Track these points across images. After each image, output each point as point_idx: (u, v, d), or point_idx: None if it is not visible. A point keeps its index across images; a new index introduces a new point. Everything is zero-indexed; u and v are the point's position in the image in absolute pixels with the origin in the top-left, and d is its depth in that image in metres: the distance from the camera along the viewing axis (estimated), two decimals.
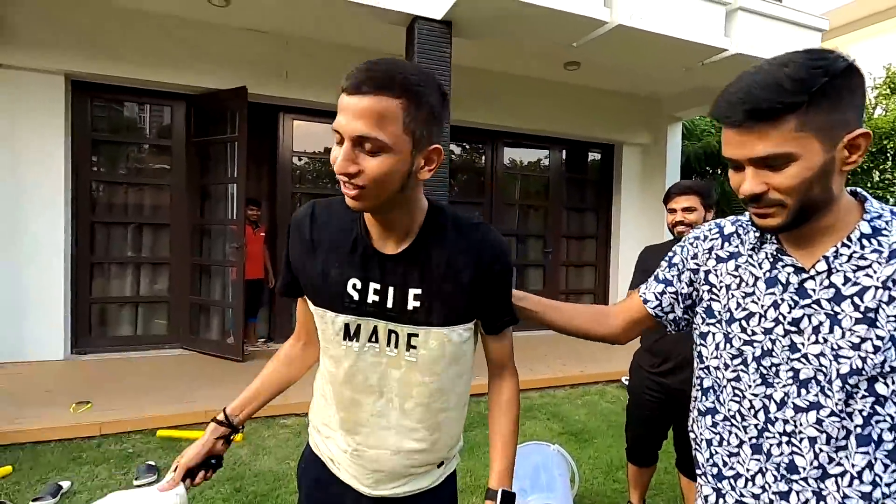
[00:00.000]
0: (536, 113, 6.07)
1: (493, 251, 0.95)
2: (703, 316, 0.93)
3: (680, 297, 0.99)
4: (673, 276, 1.00)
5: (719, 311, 0.89)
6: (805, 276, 0.79)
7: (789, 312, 0.79)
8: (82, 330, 4.66)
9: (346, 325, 0.94)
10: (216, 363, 4.46)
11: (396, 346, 0.94)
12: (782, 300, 0.80)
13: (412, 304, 0.92)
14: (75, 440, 3.05)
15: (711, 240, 0.94)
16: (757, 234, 0.86)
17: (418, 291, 0.92)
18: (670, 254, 1.04)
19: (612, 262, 6.88)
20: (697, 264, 0.95)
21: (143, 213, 4.93)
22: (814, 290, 0.78)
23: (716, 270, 0.91)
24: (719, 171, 8.73)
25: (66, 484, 2.54)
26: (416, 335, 0.93)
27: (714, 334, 0.89)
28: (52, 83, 4.31)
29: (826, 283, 0.77)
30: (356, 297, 0.93)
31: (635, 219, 6.83)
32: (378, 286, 0.92)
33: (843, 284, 0.75)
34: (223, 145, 4.75)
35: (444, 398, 0.99)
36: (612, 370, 4.70)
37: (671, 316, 1.02)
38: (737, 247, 0.90)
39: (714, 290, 0.91)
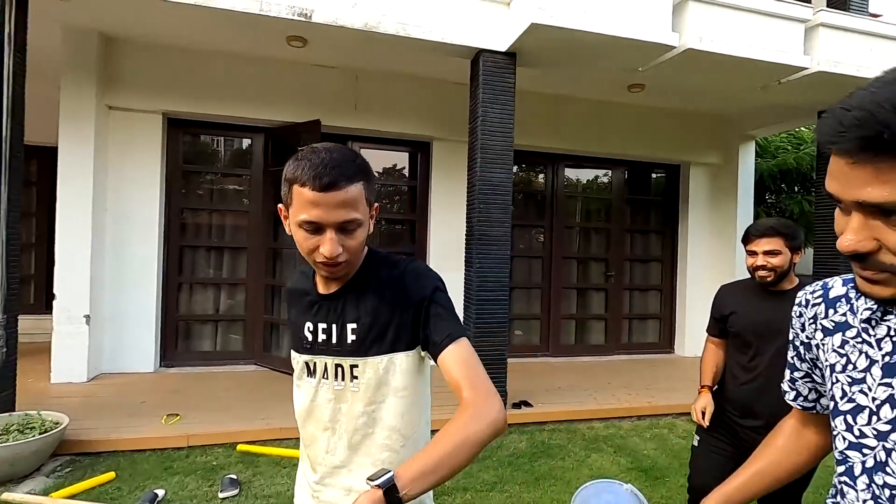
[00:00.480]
0: (598, 135, 6.01)
1: (416, 277, 1.03)
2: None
3: (813, 379, 0.82)
4: (794, 358, 0.84)
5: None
6: None
7: None
8: (169, 344, 5.06)
9: (306, 363, 1.08)
10: (286, 380, 4.70)
11: (342, 379, 1.04)
12: None
13: (350, 337, 1.03)
14: (167, 450, 3.31)
15: (814, 305, 0.77)
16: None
17: (354, 326, 1.03)
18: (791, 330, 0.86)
19: (679, 286, 6.61)
20: (808, 337, 0.78)
21: (224, 237, 5.33)
22: None
23: (823, 345, 0.74)
24: (796, 189, 8.21)
25: (160, 492, 2.77)
26: (357, 366, 1.02)
27: None
28: (151, 121, 4.79)
29: None
30: (310, 338, 1.07)
31: (705, 241, 6.54)
32: (324, 325, 1.05)
33: None
34: None
35: (387, 434, 1.03)
36: (682, 402, 4.49)
37: (823, 401, 0.84)
38: (844, 315, 0.71)
39: (820, 369, 0.76)
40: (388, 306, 1.01)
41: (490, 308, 3.95)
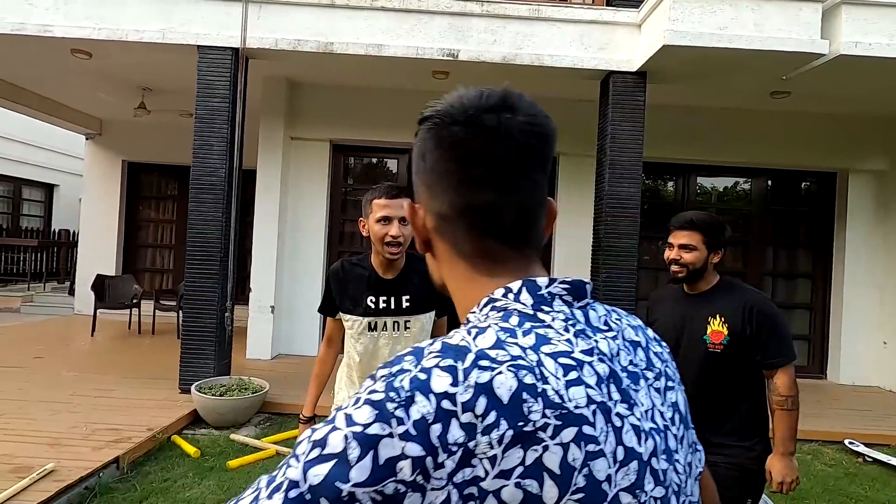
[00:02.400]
0: (734, 143, 5.77)
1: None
2: None
3: None
4: None
5: None
6: None
7: None
8: None
9: (369, 322, 1.74)
10: None
11: (398, 330, 1.75)
12: None
13: (405, 304, 1.74)
14: None
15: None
16: None
17: (407, 297, 1.73)
18: None
19: (834, 306, 5.99)
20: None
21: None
22: None
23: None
24: None
25: None
26: (409, 321, 1.76)
27: None
28: (321, 148, 5.79)
29: None
30: (372, 306, 1.73)
31: (867, 257, 5.86)
32: (385, 297, 1.72)
33: None
34: None
35: None
36: (831, 429, 4.18)
37: None
38: None
39: None
40: (424, 286, 1.69)
41: None
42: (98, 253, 7.60)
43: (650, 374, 0.50)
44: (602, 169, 4.27)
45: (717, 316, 1.69)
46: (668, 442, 0.47)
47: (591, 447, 0.40)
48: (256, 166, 5.51)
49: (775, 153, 5.82)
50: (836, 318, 5.95)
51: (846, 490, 3.29)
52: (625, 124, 4.13)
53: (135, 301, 6.53)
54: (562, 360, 0.43)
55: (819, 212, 6.16)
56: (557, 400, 0.40)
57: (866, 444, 3.97)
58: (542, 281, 0.49)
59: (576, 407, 0.40)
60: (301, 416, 1.92)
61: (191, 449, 3.24)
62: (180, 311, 5.01)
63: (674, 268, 1.77)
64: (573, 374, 0.42)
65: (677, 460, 0.48)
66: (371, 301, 1.71)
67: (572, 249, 5.64)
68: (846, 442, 3.98)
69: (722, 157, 5.84)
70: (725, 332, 1.67)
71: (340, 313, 1.77)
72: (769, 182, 6.20)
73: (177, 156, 7.06)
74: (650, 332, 0.56)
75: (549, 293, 0.48)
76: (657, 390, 0.49)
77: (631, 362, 0.49)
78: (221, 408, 3.64)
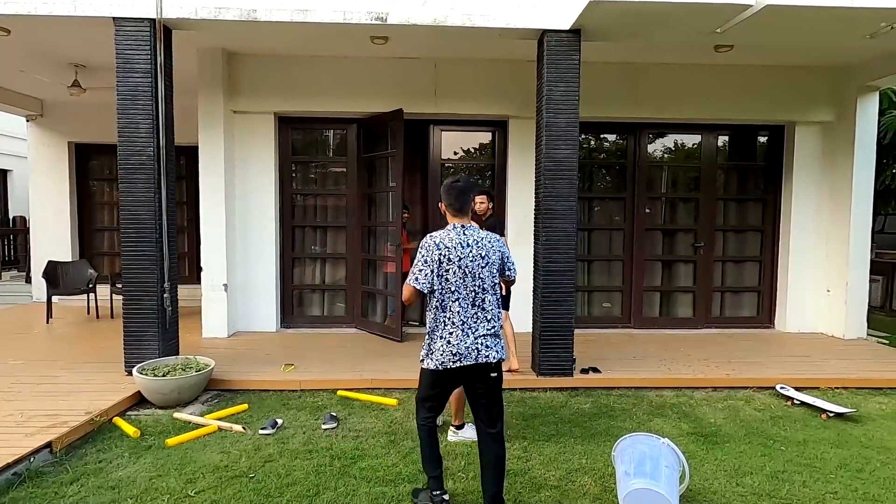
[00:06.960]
0: (684, 100, 5.75)
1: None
2: None
3: None
4: None
5: None
6: None
7: None
8: (287, 309, 6.02)
9: None
10: (381, 341, 5.38)
11: None
12: None
13: None
14: (284, 391, 4.11)
15: None
16: None
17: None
18: None
19: (781, 257, 6.14)
20: None
21: (327, 218, 6.12)
22: None
23: None
24: None
25: (280, 420, 3.52)
26: None
27: None
28: (266, 121, 5.64)
29: None
30: None
31: (813, 208, 5.98)
32: None
33: None
34: (385, 159, 5.63)
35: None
36: (767, 376, 4.35)
37: None
38: None
39: None
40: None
41: (556, 279, 4.18)
42: (53, 238, 7.43)
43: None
44: (540, 131, 4.23)
45: None
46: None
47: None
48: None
49: (724, 108, 5.82)
50: (783, 268, 6.11)
51: (768, 432, 3.46)
52: (560, 85, 4.07)
53: (90, 286, 6.44)
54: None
55: (768, 165, 6.23)
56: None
57: (799, 389, 4.16)
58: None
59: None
60: None
61: (130, 430, 3.27)
62: None
63: None
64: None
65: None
66: None
67: (523, 213, 5.66)
68: (777, 387, 4.15)
69: (671, 114, 5.82)
70: None
71: None
72: (719, 137, 6.22)
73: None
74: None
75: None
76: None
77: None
78: (163, 388, 3.66)
